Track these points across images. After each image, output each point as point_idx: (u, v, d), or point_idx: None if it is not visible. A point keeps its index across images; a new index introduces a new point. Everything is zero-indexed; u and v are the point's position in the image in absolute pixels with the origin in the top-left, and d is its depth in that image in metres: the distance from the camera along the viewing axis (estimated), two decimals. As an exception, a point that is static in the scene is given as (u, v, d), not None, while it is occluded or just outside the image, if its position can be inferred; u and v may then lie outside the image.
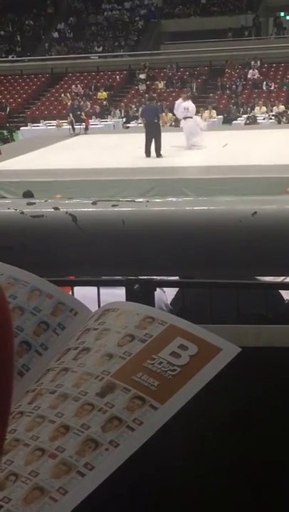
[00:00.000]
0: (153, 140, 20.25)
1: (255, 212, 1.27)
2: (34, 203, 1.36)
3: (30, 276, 0.92)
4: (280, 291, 2.77)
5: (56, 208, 1.32)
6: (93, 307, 0.97)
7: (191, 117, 21.78)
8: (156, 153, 20.23)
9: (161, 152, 20.37)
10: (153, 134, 20.29)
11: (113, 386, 0.79)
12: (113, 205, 1.33)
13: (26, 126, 33.46)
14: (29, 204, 1.35)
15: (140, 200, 1.35)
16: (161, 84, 37.74)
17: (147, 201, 1.33)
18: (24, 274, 0.92)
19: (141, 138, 20.82)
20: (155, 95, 29.90)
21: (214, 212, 1.31)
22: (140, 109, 22.48)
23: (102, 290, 2.08)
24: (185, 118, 21.61)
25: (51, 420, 0.78)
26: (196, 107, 32.59)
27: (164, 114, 21.74)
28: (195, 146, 21.31)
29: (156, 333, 0.82)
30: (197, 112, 31.90)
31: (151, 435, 0.74)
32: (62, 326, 0.89)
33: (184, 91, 29.80)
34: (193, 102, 29.05)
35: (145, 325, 0.84)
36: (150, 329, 0.83)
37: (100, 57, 42.05)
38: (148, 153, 20.25)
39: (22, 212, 1.33)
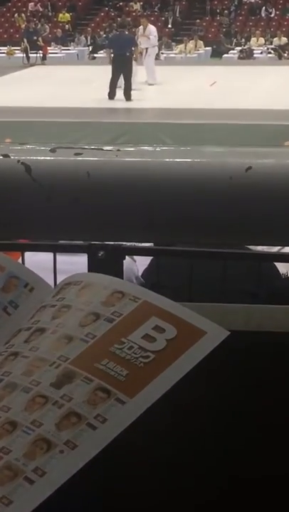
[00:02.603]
0: (122, 77, 20.10)
1: (250, 168, 1.26)
2: (-22, 149, 1.35)
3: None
4: (275, 264, 2.79)
5: (6, 155, 1.31)
6: (48, 277, 0.97)
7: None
8: (126, 95, 20.05)
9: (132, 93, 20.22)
10: (122, 70, 20.12)
11: (72, 375, 0.79)
12: (76, 154, 1.32)
13: None
14: (-28, 149, 1.34)
15: (109, 148, 1.34)
16: (137, 6, 37.48)
17: (118, 150, 1.33)
18: None
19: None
20: (129, 19, 29.73)
21: (199, 165, 1.31)
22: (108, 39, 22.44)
23: (60, 257, 2.08)
24: None
25: (-5, 415, 0.78)
26: (180, 35, 32.50)
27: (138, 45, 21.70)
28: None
29: (127, 311, 0.83)
30: (180, 42, 31.90)
31: (117, 435, 0.75)
32: (14, 304, 0.89)
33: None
34: (176, 30, 28.96)
35: (113, 301, 0.84)
36: (119, 306, 0.83)
37: None
38: (112, 95, 20.07)
39: None
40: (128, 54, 20.50)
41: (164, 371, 0.77)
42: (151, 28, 23.28)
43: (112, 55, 20.64)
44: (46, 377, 0.79)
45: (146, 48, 22.51)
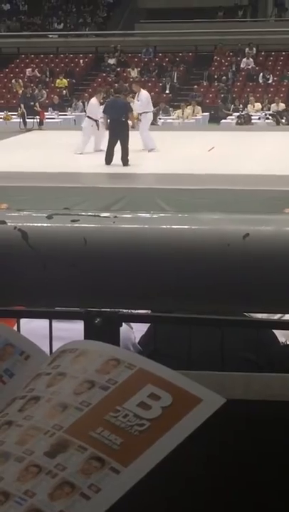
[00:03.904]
0: (118, 144, 20.28)
1: (247, 235, 1.27)
2: (-25, 215, 1.36)
3: None
4: (273, 331, 2.79)
5: (2, 222, 1.32)
6: (43, 344, 0.97)
7: (88, 117, 22.60)
8: (123, 160, 20.16)
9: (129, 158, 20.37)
10: (118, 136, 20.29)
11: (66, 444, 0.79)
12: (73, 221, 1.33)
13: None
14: None
15: (106, 214, 1.35)
16: (134, 72, 37.96)
17: (115, 216, 1.34)
18: None
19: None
20: (127, 85, 30.09)
21: (197, 232, 1.31)
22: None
23: (56, 324, 2.08)
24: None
25: (-13, 486, 0.77)
26: (177, 101, 32.82)
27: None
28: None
29: (122, 378, 0.83)
30: (177, 108, 32.24)
31: (111, 505, 0.74)
32: (10, 373, 0.89)
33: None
34: (174, 95, 29.26)
35: (108, 369, 0.84)
36: (114, 374, 0.83)
37: (60, 36, 42.20)
38: (109, 160, 20.18)
39: None
40: (123, 119, 20.68)
41: (159, 439, 0.77)
42: (143, 93, 23.45)
43: (108, 120, 20.87)
44: (40, 446, 0.79)
45: (140, 114, 22.85)
